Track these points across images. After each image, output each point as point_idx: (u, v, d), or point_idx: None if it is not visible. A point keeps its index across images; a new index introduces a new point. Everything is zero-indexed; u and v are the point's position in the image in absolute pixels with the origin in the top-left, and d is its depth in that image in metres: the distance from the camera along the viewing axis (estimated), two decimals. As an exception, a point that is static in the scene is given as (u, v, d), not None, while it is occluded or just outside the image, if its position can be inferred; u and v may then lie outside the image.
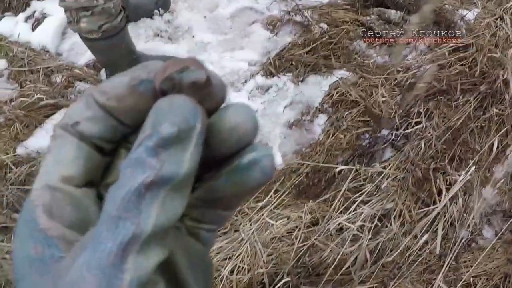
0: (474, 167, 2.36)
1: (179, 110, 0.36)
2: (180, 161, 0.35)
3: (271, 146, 2.69)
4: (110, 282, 0.32)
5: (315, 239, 2.25)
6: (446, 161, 2.40)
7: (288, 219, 2.37)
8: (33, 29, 3.29)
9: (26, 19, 3.34)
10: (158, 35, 3.17)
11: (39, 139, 2.81)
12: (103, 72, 3.05)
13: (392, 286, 2.23)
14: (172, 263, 0.40)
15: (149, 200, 0.33)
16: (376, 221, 2.27)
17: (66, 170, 0.40)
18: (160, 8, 3.20)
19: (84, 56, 3.14)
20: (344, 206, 2.35)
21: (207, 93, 0.39)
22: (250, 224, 2.33)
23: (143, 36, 3.16)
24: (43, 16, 3.32)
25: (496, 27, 2.85)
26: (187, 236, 0.45)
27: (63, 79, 2.97)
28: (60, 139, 0.42)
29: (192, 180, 0.36)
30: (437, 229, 2.29)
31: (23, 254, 0.38)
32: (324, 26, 3.01)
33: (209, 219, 0.45)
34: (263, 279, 2.22)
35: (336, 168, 2.49)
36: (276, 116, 2.80)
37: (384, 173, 2.39)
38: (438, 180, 2.35)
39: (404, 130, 2.57)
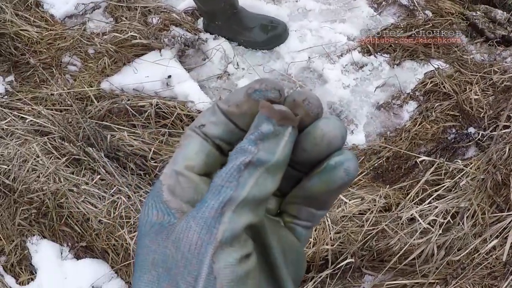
0: (555, 180, 2.34)
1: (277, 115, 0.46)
2: (273, 150, 0.45)
3: (356, 124, 2.70)
4: (209, 229, 0.42)
5: (386, 225, 2.26)
6: (528, 170, 2.37)
7: (362, 200, 2.38)
8: (137, -34, 3.28)
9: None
10: (261, -7, 3.16)
11: (125, 77, 2.83)
12: (200, 21, 3.05)
13: (454, 285, 2.23)
14: (267, 246, 0.48)
15: (247, 176, 0.44)
16: (448, 218, 2.27)
17: (190, 161, 0.49)
18: (267, -33, 3.19)
19: (184, 1, 3.15)
20: (420, 197, 2.35)
21: (303, 108, 0.49)
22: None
23: (246, -8, 3.16)
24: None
25: None
26: (284, 229, 0.54)
27: (159, 21, 2.98)
28: (188, 138, 0.51)
29: (283, 169, 0.46)
30: (507, 236, 2.27)
31: (146, 219, 0.47)
32: (429, 13, 2.97)
33: (304, 216, 0.54)
34: (326, 255, 2.23)
35: (418, 157, 2.49)
36: (366, 95, 2.79)
37: (465, 171, 2.37)
38: (516, 188, 2.33)
39: (491, 131, 2.54)
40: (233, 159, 0.45)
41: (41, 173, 2.42)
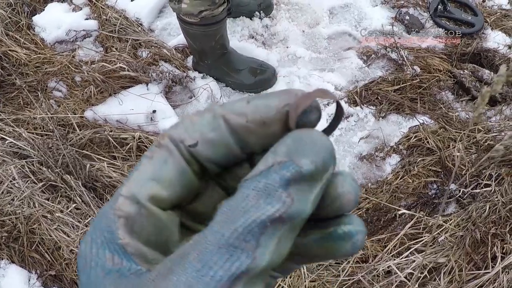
0: (533, 240, 2.34)
1: (321, 150, 0.35)
2: (306, 200, 0.34)
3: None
4: None
5: (362, 276, 2.24)
6: (507, 229, 2.37)
7: (338, 249, 2.36)
8: (132, -1, 3.32)
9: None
10: (253, 37, 3.20)
11: (110, 107, 2.82)
12: (190, 58, 3.06)
13: None
14: None
15: (270, 235, 0.33)
16: (425, 272, 2.25)
17: (159, 190, 0.38)
18: (262, 12, 3.23)
19: (175, 38, 3.18)
20: (397, 250, 2.33)
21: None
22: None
23: (238, 35, 3.19)
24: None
25: None
26: None
27: (149, 55, 2.99)
28: (166, 154, 0.40)
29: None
30: (484, 295, 2.26)
31: (96, 261, 0.37)
32: (417, 69, 3.01)
33: (279, 269, 0.41)
34: (300, 304, 2.21)
35: (398, 210, 2.48)
36: (350, 146, 2.80)
37: (444, 227, 2.37)
38: (495, 246, 2.33)
39: (472, 189, 2.54)
40: (251, 202, 0.33)
41: (16, 196, 2.38)
